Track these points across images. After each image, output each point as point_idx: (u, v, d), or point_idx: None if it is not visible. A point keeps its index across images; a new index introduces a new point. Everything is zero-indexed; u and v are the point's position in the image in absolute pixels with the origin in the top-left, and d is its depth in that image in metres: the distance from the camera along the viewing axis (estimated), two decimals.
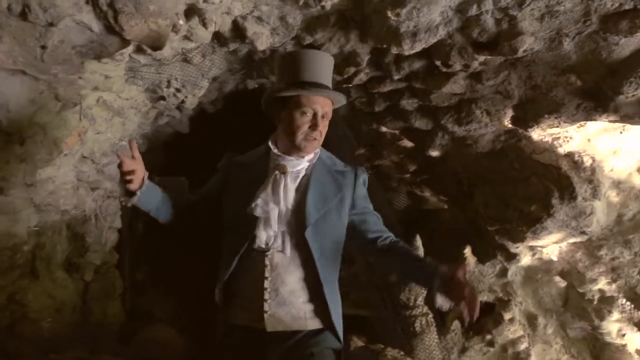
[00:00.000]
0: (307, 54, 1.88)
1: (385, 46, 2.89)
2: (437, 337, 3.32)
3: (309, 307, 1.81)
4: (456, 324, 3.53)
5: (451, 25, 2.70)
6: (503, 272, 3.69)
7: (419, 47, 2.77)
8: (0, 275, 3.21)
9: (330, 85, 1.87)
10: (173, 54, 3.06)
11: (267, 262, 1.79)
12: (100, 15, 2.19)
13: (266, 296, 1.77)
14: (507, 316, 3.49)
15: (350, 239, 1.95)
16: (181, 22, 2.60)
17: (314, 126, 1.79)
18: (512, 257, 3.58)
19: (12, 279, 3.29)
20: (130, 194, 1.88)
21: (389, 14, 2.62)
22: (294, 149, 1.85)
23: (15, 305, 3.34)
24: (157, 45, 2.33)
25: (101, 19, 2.20)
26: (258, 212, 1.79)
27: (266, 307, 1.76)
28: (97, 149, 3.58)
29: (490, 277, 3.67)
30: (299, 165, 1.87)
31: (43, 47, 2.22)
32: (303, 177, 1.88)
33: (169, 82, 3.50)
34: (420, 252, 3.36)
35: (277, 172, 1.84)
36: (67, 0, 2.10)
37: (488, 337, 3.51)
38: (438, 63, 2.95)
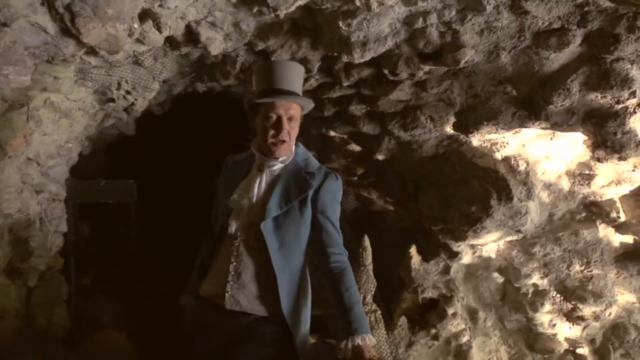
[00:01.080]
0: (276, 64, 2.07)
1: (336, 54, 3.01)
2: (385, 332, 3.45)
3: (264, 296, 1.94)
4: (403, 320, 3.69)
5: (399, 36, 2.85)
6: (446, 270, 3.89)
7: (368, 56, 2.90)
8: None
9: (297, 91, 2.01)
10: (125, 56, 3.05)
11: (234, 248, 1.97)
12: (56, 18, 2.18)
13: (229, 278, 1.94)
14: (450, 311, 3.68)
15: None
16: (135, 25, 2.60)
17: (278, 128, 1.93)
18: (454, 255, 3.78)
19: None
20: None
21: (341, 24, 2.73)
22: (267, 151, 1.99)
23: None
24: (114, 50, 2.34)
25: (57, 21, 2.19)
26: (232, 203, 2.01)
27: (228, 287, 1.94)
28: (43, 151, 3.50)
29: (434, 275, 3.85)
30: (274, 166, 2.02)
31: None
32: (277, 176, 2.03)
33: (119, 84, 3.47)
34: (369, 252, 3.49)
35: (255, 170, 2.04)
36: (22, 0, 2.08)
37: (433, 331, 3.68)
38: (386, 71, 3.10)
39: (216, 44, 3.13)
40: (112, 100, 3.61)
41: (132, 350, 3.91)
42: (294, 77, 2.03)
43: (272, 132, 1.94)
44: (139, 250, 4.74)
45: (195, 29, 3.02)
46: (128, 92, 3.59)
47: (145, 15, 2.67)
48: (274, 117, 1.93)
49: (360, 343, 1.80)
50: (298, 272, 1.99)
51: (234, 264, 1.96)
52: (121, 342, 3.96)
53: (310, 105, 2.08)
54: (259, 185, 2.01)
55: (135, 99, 3.71)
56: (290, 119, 1.96)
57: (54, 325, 3.92)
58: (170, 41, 3.16)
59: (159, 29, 2.76)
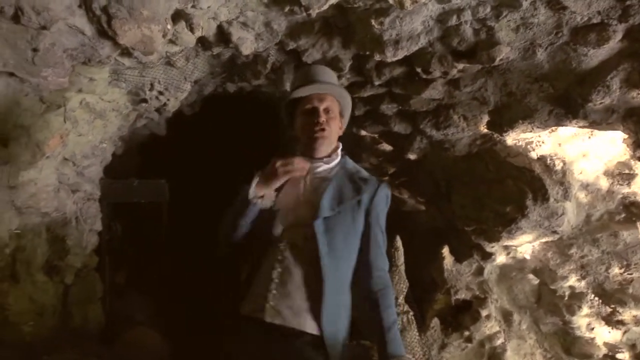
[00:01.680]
0: (310, 67, 2.09)
1: (368, 53, 2.98)
2: (417, 334, 3.40)
3: (306, 306, 1.78)
4: (435, 322, 3.64)
5: (432, 34, 2.81)
6: (479, 271, 3.83)
7: (400, 55, 2.87)
8: None
9: (332, 82, 2.01)
10: (158, 57, 3.08)
11: (278, 253, 1.83)
12: (93, 20, 2.21)
13: (272, 286, 1.78)
14: (483, 313, 3.62)
15: None
16: (169, 26, 2.63)
17: (316, 119, 1.89)
18: (487, 256, 3.71)
19: None
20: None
21: (373, 22, 2.71)
22: (309, 150, 1.94)
23: None
24: (148, 51, 2.37)
25: (94, 23, 2.22)
26: (276, 205, 1.88)
27: (270, 297, 1.77)
28: (78, 151, 3.56)
29: (467, 276, 3.80)
30: (319, 168, 1.95)
31: (34, 50, 2.22)
32: (324, 179, 1.94)
33: (152, 85, 3.51)
34: (401, 252, 3.45)
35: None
36: (60, 4, 2.11)
37: (466, 333, 3.63)
38: (418, 70, 3.06)
39: (247, 44, 3.14)
40: (145, 100, 3.65)
41: (165, 349, 3.96)
42: (328, 72, 2.05)
43: (309, 122, 1.91)
44: (170, 250, 4.79)
45: (226, 29, 3.04)
46: (160, 93, 3.62)
47: (178, 16, 2.69)
48: (310, 107, 1.92)
49: None
50: (346, 285, 1.86)
51: (278, 269, 1.80)
52: (154, 340, 4.00)
53: (347, 97, 2.04)
54: (305, 186, 1.92)
55: (168, 100, 3.74)
56: (326, 110, 1.92)
57: (90, 323, 3.99)
58: (202, 42, 3.19)
59: (191, 29, 2.79)
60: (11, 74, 2.44)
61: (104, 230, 4.25)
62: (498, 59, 2.75)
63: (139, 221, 4.94)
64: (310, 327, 1.77)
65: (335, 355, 1.77)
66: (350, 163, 2.06)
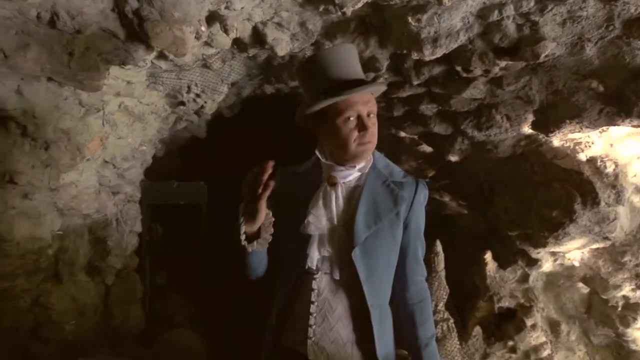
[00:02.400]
0: (325, 55, 1.65)
1: (405, 52, 2.89)
2: (458, 342, 3.28)
3: (353, 337, 1.64)
4: (477, 330, 3.50)
5: (472, 30, 2.69)
6: (524, 278, 3.65)
7: (439, 53, 2.76)
8: (25, 279, 3.25)
9: (363, 77, 1.68)
10: (194, 59, 3.09)
11: (314, 285, 1.64)
12: (125, 23, 2.22)
13: (311, 321, 1.62)
14: (529, 322, 3.45)
15: None
16: (203, 28, 2.62)
17: (363, 130, 1.58)
18: (533, 262, 3.54)
19: (37, 282, 3.34)
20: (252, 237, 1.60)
21: (410, 19, 2.62)
22: (348, 160, 1.64)
23: (39, 308, 3.38)
24: (181, 52, 2.36)
25: (127, 26, 2.23)
26: (311, 229, 1.63)
27: (310, 332, 1.62)
28: (119, 153, 3.62)
29: (512, 283, 3.63)
30: (350, 176, 1.67)
31: (70, 54, 2.26)
32: (355, 188, 1.68)
33: (189, 87, 3.53)
34: (441, 257, 3.34)
35: (326, 184, 1.67)
36: (94, 7, 2.13)
37: (510, 343, 3.47)
38: (458, 68, 2.94)
39: (283, 44, 3.10)
40: (183, 103, 3.68)
41: (204, 351, 3.97)
42: (354, 60, 1.68)
43: (355, 134, 1.58)
44: (209, 252, 4.81)
45: (261, 30, 3.01)
46: (197, 95, 3.64)
47: (212, 18, 2.69)
48: (354, 115, 1.57)
49: None
50: (386, 306, 1.72)
51: (316, 304, 1.63)
52: (193, 341, 4.02)
53: (383, 88, 1.79)
54: (337, 202, 1.64)
55: (205, 102, 3.76)
56: (369, 114, 1.61)
57: (130, 323, 4.06)
58: (238, 43, 3.17)
59: (225, 31, 2.77)
60: (50, 79, 2.49)
61: (144, 231, 4.31)
62: (543, 55, 2.60)
63: (179, 223, 4.99)
64: (358, 358, 1.66)
65: None
66: (381, 160, 1.78)
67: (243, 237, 1.57)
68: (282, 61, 3.60)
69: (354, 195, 1.67)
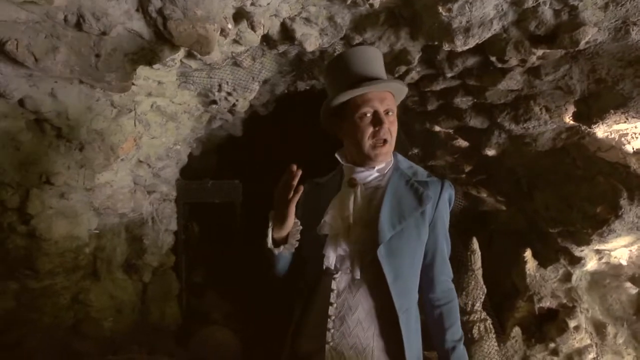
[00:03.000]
0: (349, 53, 1.64)
1: (436, 43, 2.79)
2: (496, 344, 3.17)
3: (378, 343, 1.54)
4: (517, 331, 3.36)
5: (506, 18, 2.58)
6: (567, 277, 3.49)
7: (472, 43, 2.65)
8: (65, 276, 3.34)
9: (384, 77, 1.62)
10: (223, 58, 3.08)
11: (333, 285, 1.56)
12: (150, 22, 2.23)
13: (329, 325, 1.54)
14: (572, 324, 3.28)
15: None
16: (230, 26, 2.60)
17: (378, 126, 1.54)
18: (576, 261, 3.38)
19: (76, 280, 3.43)
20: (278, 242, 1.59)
21: (440, 9, 2.53)
22: (365, 159, 1.61)
23: (78, 305, 3.47)
24: (205, 51, 2.35)
25: (151, 26, 2.24)
26: (326, 229, 1.60)
27: (329, 337, 1.54)
28: (153, 153, 3.67)
29: (553, 282, 3.47)
30: (370, 177, 1.64)
31: (97, 56, 2.28)
32: (376, 189, 1.63)
33: (220, 86, 3.54)
34: (477, 255, 3.22)
35: (347, 185, 1.65)
36: (118, 8, 2.14)
37: (552, 345, 3.32)
38: (493, 59, 2.83)
39: (312, 40, 3.06)
40: (215, 102, 3.69)
41: (239, 347, 3.98)
42: (377, 61, 1.64)
43: (370, 130, 1.55)
44: (244, 250, 4.83)
45: (289, 25, 2.98)
46: (229, 94, 3.65)
47: (239, 15, 2.67)
48: (370, 111, 1.55)
49: None
50: (415, 309, 1.62)
51: (335, 305, 1.55)
52: (228, 339, 4.05)
53: (404, 91, 1.69)
54: (355, 202, 1.60)
55: (237, 100, 3.76)
56: (387, 112, 1.57)
57: (167, 320, 4.12)
58: (267, 40, 3.15)
59: (252, 28, 2.75)
60: (82, 81, 2.54)
61: (180, 229, 4.36)
62: (583, 42, 2.46)
63: (214, 221, 5.03)
64: None
65: None
66: (404, 162, 1.71)
67: (270, 241, 1.56)
68: (312, 57, 3.56)
69: (375, 196, 1.62)
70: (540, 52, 2.64)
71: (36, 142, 2.82)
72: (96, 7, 2.11)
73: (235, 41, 2.94)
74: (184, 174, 4.59)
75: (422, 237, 1.61)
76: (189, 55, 2.85)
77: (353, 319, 1.54)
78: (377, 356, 1.53)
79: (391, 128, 1.58)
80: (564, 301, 3.41)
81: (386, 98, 1.58)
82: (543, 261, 3.50)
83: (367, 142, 1.56)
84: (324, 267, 1.58)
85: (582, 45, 2.51)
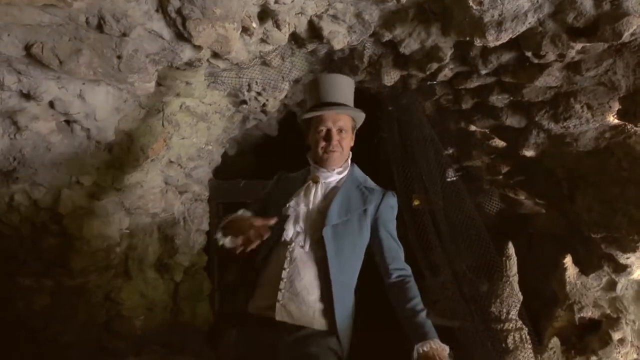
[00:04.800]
0: (323, 78, 2.10)
1: (468, 38, 2.67)
2: (532, 355, 3.01)
3: (317, 306, 1.90)
4: (555, 342, 3.18)
5: (542, 10, 2.43)
6: (611, 286, 3.28)
7: (505, 38, 2.52)
8: (97, 275, 3.40)
9: (346, 103, 2.05)
10: (250, 57, 3.05)
11: (287, 254, 1.92)
12: (169, 23, 2.21)
13: (281, 286, 1.88)
14: (616, 336, 3.08)
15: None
16: (254, 25, 2.57)
17: (327, 140, 2.00)
18: (621, 268, 3.17)
19: (107, 279, 3.48)
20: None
21: (471, 2, 2.42)
22: (321, 163, 2.05)
23: (110, 303, 3.53)
24: (225, 50, 2.32)
25: (171, 26, 2.22)
26: (290, 210, 1.99)
27: (279, 296, 1.87)
28: (184, 153, 3.68)
29: (596, 291, 3.27)
30: (330, 177, 2.05)
31: (119, 57, 2.28)
32: (333, 187, 2.06)
33: (249, 85, 3.51)
34: (513, 261, 3.07)
35: (310, 180, 2.06)
36: (138, 9, 2.13)
37: (593, 358, 3.12)
38: (529, 54, 2.68)
39: (339, 37, 3.00)
40: (245, 102, 3.67)
41: None
42: (342, 88, 2.08)
43: (323, 144, 2.01)
44: None
45: (317, 23, 2.92)
46: (259, 94, 3.62)
47: (264, 14, 2.64)
48: (324, 129, 2.00)
49: (426, 349, 1.75)
50: (351, 288, 1.99)
51: (287, 270, 1.91)
52: None
53: (361, 116, 2.11)
54: (315, 194, 2.02)
55: (267, 100, 3.73)
56: (340, 130, 2.01)
57: (198, 319, 4.14)
58: (295, 39, 3.11)
59: (277, 26, 2.71)
60: (109, 83, 2.55)
61: (212, 229, 4.37)
62: (627, 33, 2.28)
63: None
64: (319, 324, 1.89)
65: (345, 345, 1.91)
66: (359, 172, 2.15)
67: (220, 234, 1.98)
68: (342, 55, 3.49)
69: (331, 192, 2.04)
70: (579, 45, 2.47)
71: (66, 143, 2.87)
72: (116, 8, 2.10)
73: (263, 40, 2.90)
74: (219, 174, 4.60)
75: (363, 232, 2.00)
76: (216, 55, 2.83)
77: (301, 284, 1.89)
78: (317, 317, 1.89)
79: (342, 142, 2.02)
80: (608, 311, 3.20)
81: (340, 119, 2.02)
82: (585, 268, 3.30)
83: (320, 151, 2.02)
84: (282, 239, 1.94)
85: (626, 38, 2.34)
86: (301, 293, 1.88)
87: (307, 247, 1.94)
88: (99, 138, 2.93)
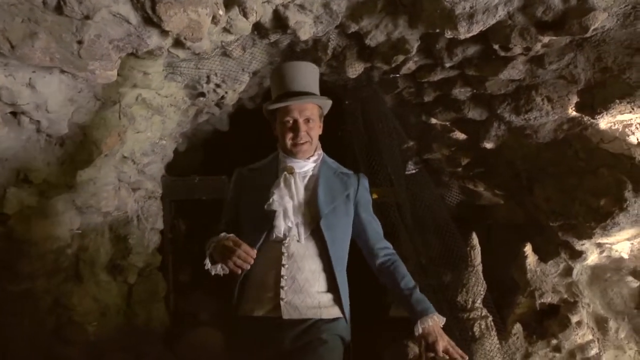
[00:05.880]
0: (287, 67, 2.04)
1: (438, 31, 2.69)
2: (497, 341, 3.08)
3: (323, 297, 1.89)
4: (518, 328, 3.28)
5: (512, 4, 2.48)
6: (567, 272, 3.42)
7: (476, 30, 2.55)
8: (46, 279, 3.16)
9: (312, 91, 2.00)
10: (212, 47, 2.92)
11: (284, 250, 1.87)
12: (137, 6, 2.06)
13: (283, 283, 1.84)
14: (574, 319, 3.21)
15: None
16: (221, 12, 2.45)
17: (295, 131, 1.94)
18: (577, 255, 3.31)
19: (57, 283, 3.25)
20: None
21: None
22: (291, 154, 1.99)
23: (61, 309, 3.29)
24: (197, 37, 2.20)
25: (139, 9, 2.07)
26: (275, 205, 1.91)
27: (282, 294, 1.83)
28: (138, 148, 3.49)
29: (554, 277, 3.40)
30: (305, 167, 2.01)
31: (79, 42, 2.10)
32: (311, 176, 2.03)
33: (208, 77, 3.37)
34: (478, 250, 3.13)
35: (285, 172, 1.97)
36: None
37: (554, 341, 3.24)
38: (496, 47, 2.73)
39: (306, 28, 2.93)
40: (203, 94, 3.53)
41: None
42: (307, 77, 2.03)
43: (290, 135, 1.95)
44: None
45: (283, 13, 2.84)
46: (218, 86, 3.48)
47: (230, 1, 2.51)
48: (290, 120, 1.95)
49: (430, 324, 1.82)
50: (345, 269, 2.00)
51: (286, 266, 1.86)
52: (217, 340, 3.91)
53: (327, 103, 2.06)
54: (296, 185, 1.96)
55: (226, 92, 3.60)
56: (307, 120, 1.96)
57: (154, 322, 3.95)
58: (258, 29, 3.00)
59: (245, 14, 2.60)
60: (63, 71, 2.36)
61: (166, 228, 4.19)
62: (592, 28, 2.37)
63: (201, 218, 4.86)
64: (326, 313, 1.87)
65: (349, 333, 1.95)
66: (329, 159, 2.13)
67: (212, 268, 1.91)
68: (305, 47, 3.42)
69: (310, 181, 2.01)
70: (546, 39, 2.55)
71: (13, 136, 2.63)
72: None
73: (226, 29, 2.77)
74: (169, 171, 4.41)
75: (349, 214, 2.02)
76: (177, 44, 2.67)
77: (302, 277, 1.86)
78: (323, 307, 1.87)
79: (310, 132, 1.97)
80: (565, 296, 3.34)
81: (306, 109, 1.96)
82: (543, 255, 3.42)
83: (288, 142, 1.96)
84: (274, 236, 1.89)
85: (590, 32, 2.42)
86: (304, 286, 1.86)
87: (302, 240, 1.90)
88: (50, 131, 2.71)
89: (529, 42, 2.56)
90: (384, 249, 2.04)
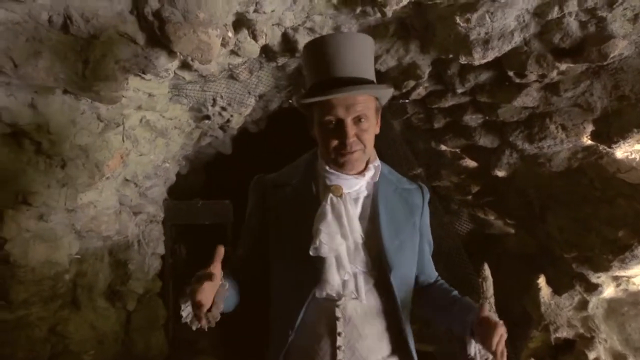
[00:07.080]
0: (330, 40, 1.39)
1: (451, 56, 2.63)
2: None
3: None
4: None
5: (528, 30, 2.42)
6: (583, 305, 3.31)
7: (491, 56, 2.49)
8: (41, 306, 3.04)
9: (366, 76, 1.38)
10: (219, 69, 2.88)
11: (338, 313, 1.40)
12: (145, 26, 2.00)
13: (340, 356, 1.39)
14: (591, 355, 3.09)
15: None
16: (230, 34, 2.39)
17: (341, 137, 1.35)
18: (593, 287, 3.20)
19: (53, 310, 3.12)
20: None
21: (458, 19, 2.37)
22: (338, 168, 1.42)
23: (56, 338, 3.16)
24: (206, 58, 2.13)
25: (146, 30, 2.02)
26: (324, 250, 1.37)
27: None
28: (140, 171, 3.41)
29: (568, 310, 3.28)
30: (357, 184, 1.44)
31: (85, 62, 2.04)
32: (366, 198, 1.46)
33: (214, 100, 3.32)
34: (490, 282, 3.02)
35: (331, 195, 1.41)
36: (111, 10, 1.92)
37: None
38: (510, 73, 2.67)
39: None
40: (208, 117, 3.47)
41: None
42: (358, 55, 1.38)
43: (334, 142, 1.36)
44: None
45: (292, 36, 2.79)
46: (223, 109, 3.43)
47: (239, 23, 2.46)
48: (333, 120, 1.35)
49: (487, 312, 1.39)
50: (410, 325, 1.52)
51: (343, 335, 1.39)
52: None
53: (387, 92, 1.46)
54: (347, 214, 1.39)
55: (231, 115, 3.54)
56: (358, 119, 1.36)
57: (152, 350, 3.82)
58: (266, 52, 2.95)
59: (254, 37, 2.54)
60: (65, 91, 2.29)
61: (167, 253, 4.08)
62: (612, 55, 2.30)
63: (203, 243, 4.76)
64: None
65: None
66: (386, 167, 1.55)
67: (188, 317, 1.39)
68: None
69: (366, 208, 1.46)
70: (563, 66, 2.48)
71: (13, 158, 2.54)
72: (85, 7, 1.88)
73: (234, 52, 2.72)
74: (172, 194, 4.33)
75: (415, 249, 1.52)
76: (184, 65, 2.63)
77: (364, 346, 1.41)
78: None
79: (362, 136, 1.37)
80: (581, 331, 3.22)
81: (357, 103, 1.35)
82: (557, 288, 3.31)
83: (333, 152, 1.39)
84: (324, 294, 1.41)
85: (609, 59, 2.36)
86: (367, 357, 1.42)
87: (363, 298, 1.41)
88: (51, 153, 2.63)
89: (546, 69, 2.50)
90: (437, 281, 1.63)
